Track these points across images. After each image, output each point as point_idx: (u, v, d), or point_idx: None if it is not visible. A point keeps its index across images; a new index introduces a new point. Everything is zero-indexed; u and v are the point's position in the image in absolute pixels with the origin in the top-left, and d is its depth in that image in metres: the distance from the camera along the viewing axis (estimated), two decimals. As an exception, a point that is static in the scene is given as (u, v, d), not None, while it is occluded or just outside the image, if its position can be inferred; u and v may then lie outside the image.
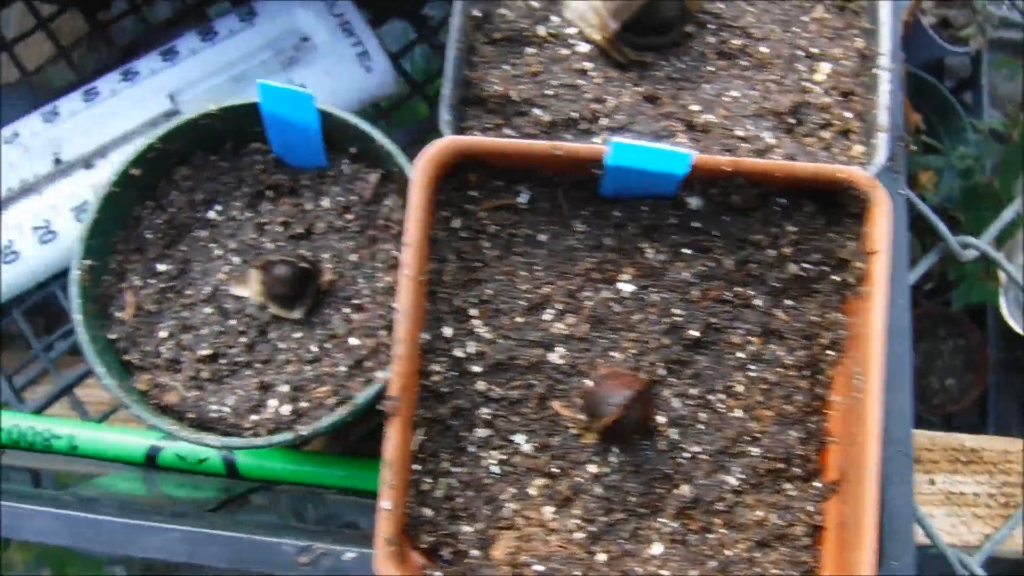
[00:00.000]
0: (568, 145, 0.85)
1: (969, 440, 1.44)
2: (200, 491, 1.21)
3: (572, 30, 0.97)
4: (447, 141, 0.86)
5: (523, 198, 0.89)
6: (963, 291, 1.89)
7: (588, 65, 0.96)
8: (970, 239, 1.20)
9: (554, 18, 0.98)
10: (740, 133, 0.92)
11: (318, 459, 1.20)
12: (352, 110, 1.27)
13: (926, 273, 2.08)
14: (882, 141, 0.88)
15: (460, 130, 0.92)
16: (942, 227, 1.16)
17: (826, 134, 0.93)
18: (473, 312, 0.89)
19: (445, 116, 0.90)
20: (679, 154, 0.83)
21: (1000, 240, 1.25)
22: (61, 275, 1.30)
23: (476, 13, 0.96)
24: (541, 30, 0.97)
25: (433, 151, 0.85)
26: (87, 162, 1.27)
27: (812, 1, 0.99)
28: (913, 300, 2.03)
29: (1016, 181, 1.81)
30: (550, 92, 0.94)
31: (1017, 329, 1.66)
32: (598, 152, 0.84)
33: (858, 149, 0.91)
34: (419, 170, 0.85)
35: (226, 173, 1.08)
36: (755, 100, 0.94)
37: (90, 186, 1.26)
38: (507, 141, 0.87)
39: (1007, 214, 1.27)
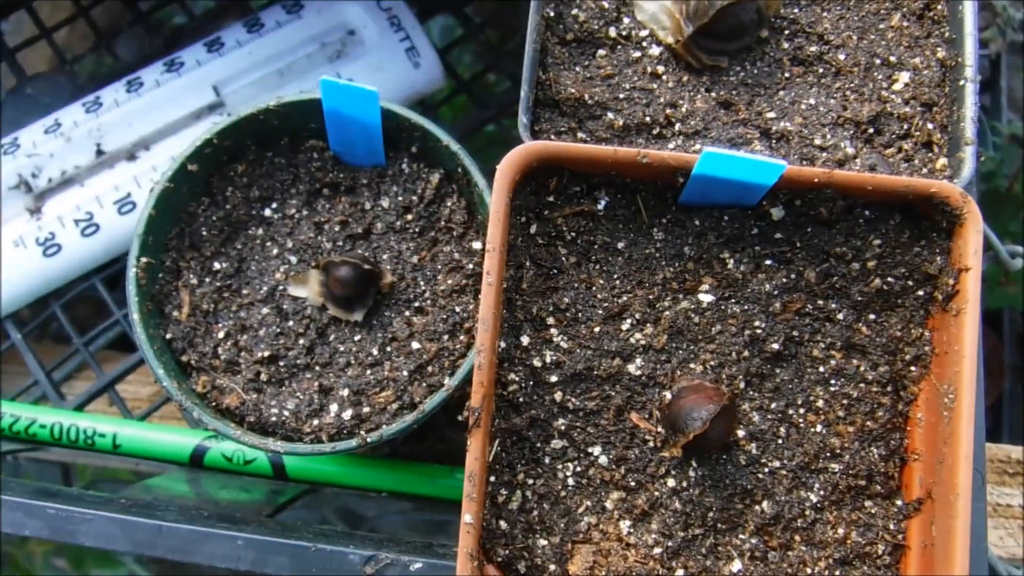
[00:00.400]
0: (656, 153, 0.84)
1: (1016, 452, 1.42)
2: (246, 493, 1.20)
3: (644, 32, 0.95)
4: (533, 145, 0.84)
5: (601, 205, 0.88)
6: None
7: (660, 68, 0.94)
8: (1020, 248, 1.19)
9: (625, 19, 0.96)
10: (818, 142, 0.91)
11: (365, 462, 1.19)
12: (402, 103, 1.26)
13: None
14: (969, 155, 0.86)
15: (534, 133, 0.90)
16: (993, 236, 1.15)
17: (907, 145, 0.91)
18: (550, 321, 0.87)
19: (523, 119, 0.88)
20: (771, 165, 0.81)
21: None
22: (101, 268, 1.28)
23: (548, 13, 0.94)
24: (612, 31, 0.95)
25: (518, 155, 0.84)
26: (130, 154, 1.26)
27: (889, 9, 0.97)
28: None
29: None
30: (623, 95, 0.93)
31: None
32: (688, 161, 0.83)
33: (942, 162, 0.89)
34: (502, 174, 0.83)
35: (282, 170, 1.06)
36: (833, 108, 0.92)
37: (133, 178, 1.24)
38: (592, 147, 0.85)
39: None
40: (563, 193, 0.88)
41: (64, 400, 1.28)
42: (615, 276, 0.88)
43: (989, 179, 1.91)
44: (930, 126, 0.91)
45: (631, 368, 0.87)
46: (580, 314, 0.87)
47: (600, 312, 0.87)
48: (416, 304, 1.01)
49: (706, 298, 0.88)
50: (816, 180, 0.83)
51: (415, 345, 1.00)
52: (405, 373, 0.99)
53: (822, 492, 0.87)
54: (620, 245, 0.88)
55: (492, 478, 0.84)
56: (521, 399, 0.85)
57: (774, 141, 0.92)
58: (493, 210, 0.82)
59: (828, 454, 0.87)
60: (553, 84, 0.91)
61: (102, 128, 1.26)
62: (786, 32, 0.96)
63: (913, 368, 0.87)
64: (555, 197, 0.88)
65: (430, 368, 0.99)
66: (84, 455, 1.25)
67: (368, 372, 1.00)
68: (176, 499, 1.18)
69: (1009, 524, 1.38)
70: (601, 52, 0.95)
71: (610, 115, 0.92)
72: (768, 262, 0.88)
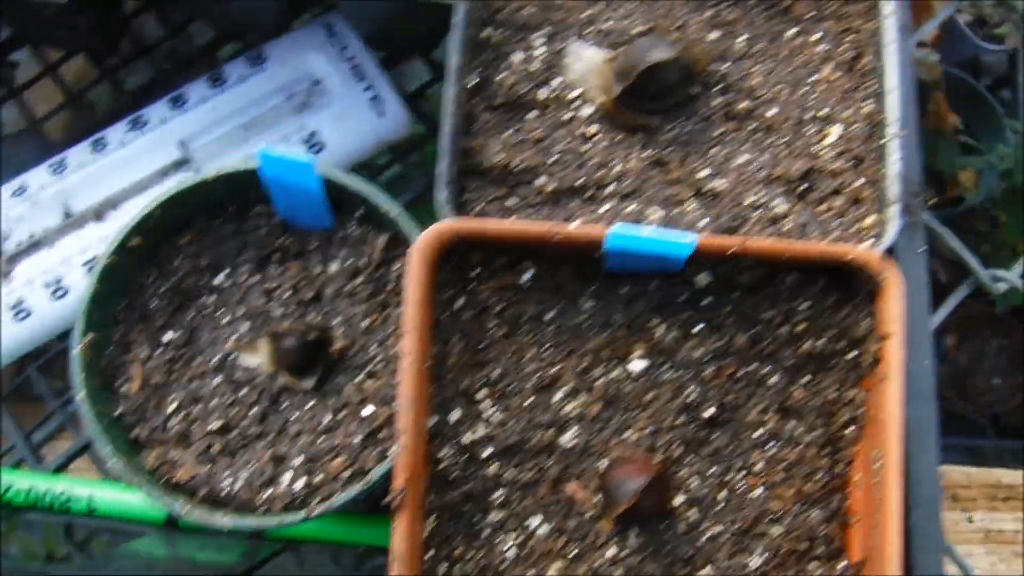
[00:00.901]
0: (566, 230, 0.84)
1: (1007, 476, 1.41)
2: (223, 553, 1.20)
3: (574, 92, 0.95)
4: (442, 227, 0.84)
5: (527, 276, 0.87)
6: (1008, 293, 1.86)
7: (592, 128, 0.94)
8: (1001, 272, 1.19)
9: (555, 80, 0.95)
10: (750, 200, 0.90)
11: (344, 518, 1.19)
12: (366, 154, 1.26)
13: (969, 272, 2.05)
14: (894, 215, 0.85)
15: (460, 205, 0.90)
16: (973, 261, 1.14)
17: (838, 201, 0.90)
18: (481, 394, 0.87)
19: (442, 194, 0.88)
20: (679, 244, 0.81)
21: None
22: (76, 329, 1.29)
23: (474, 80, 0.94)
24: (542, 93, 0.95)
25: (428, 237, 0.84)
26: (97, 214, 1.26)
27: (820, 60, 0.96)
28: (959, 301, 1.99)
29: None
30: (554, 158, 0.92)
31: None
32: (597, 237, 0.83)
33: (871, 220, 0.88)
34: (415, 257, 0.83)
35: (231, 237, 1.06)
36: (765, 165, 0.92)
37: (101, 239, 1.24)
38: (503, 224, 0.85)
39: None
40: (488, 266, 0.88)
41: (42, 463, 1.29)
42: (546, 347, 0.88)
43: (1008, 176, 1.89)
44: (860, 181, 0.90)
45: (565, 438, 0.87)
46: (511, 386, 0.87)
47: (532, 383, 0.87)
48: (368, 368, 1.01)
49: (638, 366, 0.87)
50: (731, 251, 0.83)
51: (367, 410, 0.99)
52: (358, 439, 0.98)
53: (764, 556, 0.86)
54: (549, 316, 0.88)
55: (431, 553, 0.84)
56: (455, 474, 0.85)
57: (708, 200, 0.91)
58: (408, 292, 0.82)
59: (769, 518, 0.87)
60: (480, 152, 0.91)
61: (69, 190, 1.26)
62: (718, 87, 0.95)
63: (849, 430, 0.87)
64: (480, 270, 0.88)
65: (383, 434, 0.99)
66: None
67: (321, 440, 0.99)
68: (156, 564, 1.19)
69: (1001, 550, 1.37)
70: (531, 115, 0.94)
71: (541, 179, 0.91)
72: (698, 328, 0.87)
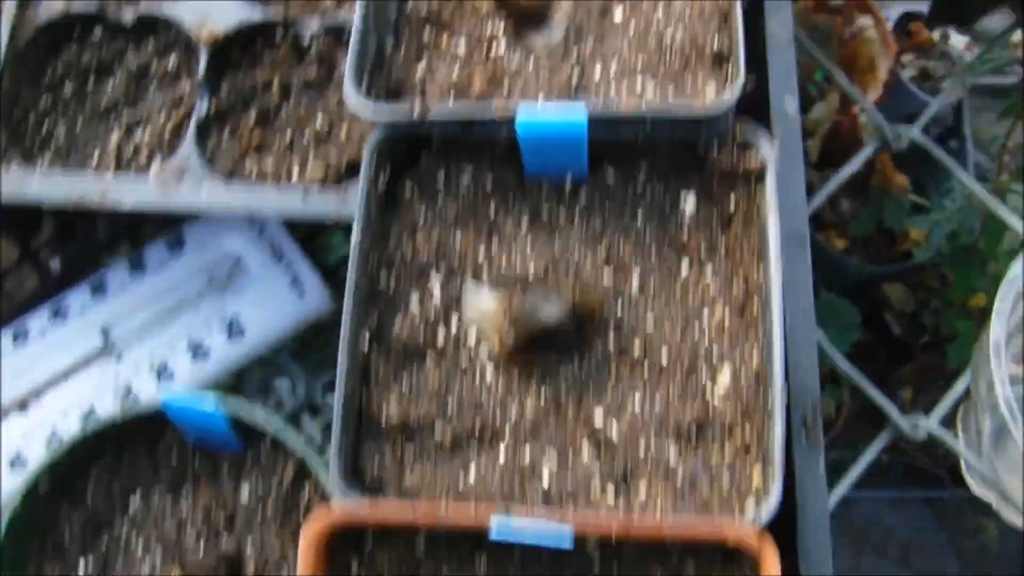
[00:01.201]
0: (448, 519, 0.85)
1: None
2: None
3: (472, 334, 0.95)
4: (325, 519, 0.86)
5: (421, 545, 0.89)
6: (957, 350, 1.85)
7: (490, 371, 0.94)
8: (921, 420, 1.20)
9: (453, 322, 0.96)
10: (642, 450, 0.90)
11: None
12: (287, 335, 1.27)
13: (922, 326, 2.06)
14: (776, 478, 0.85)
15: (355, 471, 0.91)
16: (892, 410, 1.16)
17: (728, 451, 0.90)
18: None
19: (335, 466, 0.89)
20: (559, 534, 0.82)
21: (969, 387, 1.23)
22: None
23: (369, 334, 0.95)
24: (440, 338, 0.95)
25: (314, 529, 0.86)
26: (21, 405, 1.27)
27: (713, 299, 0.96)
28: (910, 353, 1.99)
29: (999, 245, 1.79)
30: (452, 406, 0.93)
31: (976, 491, 1.65)
32: (482, 525, 0.84)
33: (758, 473, 0.89)
34: (302, 544, 0.85)
35: (144, 465, 1.07)
36: (657, 412, 0.92)
37: (24, 433, 1.25)
38: (391, 511, 0.87)
39: (959, 386, 1.26)
40: (381, 536, 0.89)
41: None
42: (440, 611, 0.89)
43: (954, 237, 1.90)
44: (748, 429, 0.90)
45: None
46: (406, 650, 0.88)
47: (426, 646, 0.89)
48: (280, 595, 1.02)
49: (531, 634, 0.88)
50: (613, 536, 0.84)
51: (279, 640, 1.01)
52: (270, 674, 1.00)
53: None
54: (442, 581, 0.89)
55: None
56: None
57: (602, 447, 0.91)
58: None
59: None
60: (377, 410, 0.92)
61: (-10, 383, 1.27)
62: (612, 330, 0.95)
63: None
64: (374, 539, 0.89)
65: (293, 664, 1.00)
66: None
67: (234, 676, 1.00)
68: None
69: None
70: (429, 363, 0.95)
71: (439, 429, 0.92)
72: (590, 594, 0.88)
